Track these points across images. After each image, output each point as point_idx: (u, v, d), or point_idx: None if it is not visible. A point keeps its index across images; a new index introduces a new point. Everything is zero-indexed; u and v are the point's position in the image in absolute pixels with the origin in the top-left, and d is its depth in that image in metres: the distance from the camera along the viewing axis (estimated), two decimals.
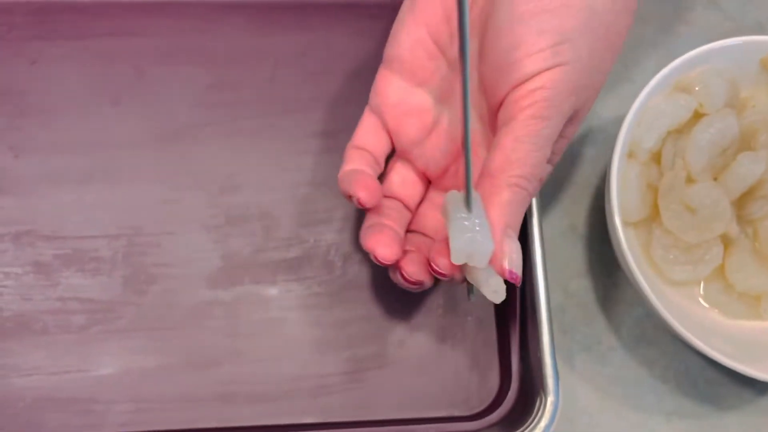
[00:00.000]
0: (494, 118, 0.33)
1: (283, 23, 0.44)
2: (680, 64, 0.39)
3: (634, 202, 0.40)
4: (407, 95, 0.35)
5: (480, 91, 0.35)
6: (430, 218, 0.37)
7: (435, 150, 0.36)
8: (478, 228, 0.30)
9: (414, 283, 0.34)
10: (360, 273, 0.40)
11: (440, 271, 0.32)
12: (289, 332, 0.39)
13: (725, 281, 0.40)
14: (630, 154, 0.40)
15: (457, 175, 0.36)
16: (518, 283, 0.31)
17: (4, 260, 0.39)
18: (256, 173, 0.41)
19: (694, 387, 0.42)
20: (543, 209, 0.42)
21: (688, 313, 0.40)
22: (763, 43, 0.40)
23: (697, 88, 0.40)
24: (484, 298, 0.32)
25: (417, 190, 0.37)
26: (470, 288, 0.33)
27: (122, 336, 0.39)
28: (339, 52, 0.44)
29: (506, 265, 0.31)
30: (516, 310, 0.40)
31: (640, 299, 0.41)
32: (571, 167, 0.44)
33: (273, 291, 0.40)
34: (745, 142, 0.41)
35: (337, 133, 0.42)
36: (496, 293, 0.31)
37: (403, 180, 0.37)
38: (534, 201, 0.38)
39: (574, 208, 0.44)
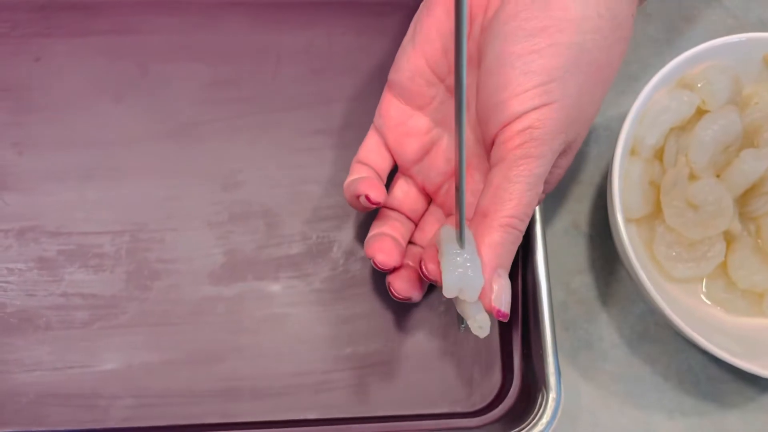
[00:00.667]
0: (489, 154, 0.34)
1: (287, 20, 0.44)
2: (683, 61, 0.39)
3: (637, 198, 0.40)
4: (407, 117, 0.37)
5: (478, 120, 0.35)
6: (428, 232, 0.38)
7: (430, 169, 0.37)
8: (469, 264, 0.31)
9: (402, 299, 0.36)
10: (362, 270, 0.41)
11: (429, 276, 0.33)
12: (291, 328, 0.39)
13: (728, 278, 0.40)
14: (633, 151, 0.40)
15: (449, 193, 0.38)
16: (505, 320, 0.32)
17: (8, 256, 0.39)
18: (259, 170, 0.42)
19: (696, 384, 0.42)
20: (546, 206, 0.42)
21: (691, 311, 0.40)
22: (766, 40, 0.40)
23: (699, 85, 0.40)
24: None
25: (419, 204, 0.39)
26: (461, 318, 0.34)
27: (125, 331, 0.39)
28: (342, 49, 0.44)
29: (494, 304, 0.32)
30: (518, 307, 0.40)
31: (643, 296, 0.41)
32: (574, 165, 0.44)
33: (275, 287, 0.40)
34: (748, 139, 0.41)
35: (341, 129, 0.42)
36: (481, 329, 0.33)
37: (406, 194, 0.38)
38: None
39: (576, 205, 0.44)
